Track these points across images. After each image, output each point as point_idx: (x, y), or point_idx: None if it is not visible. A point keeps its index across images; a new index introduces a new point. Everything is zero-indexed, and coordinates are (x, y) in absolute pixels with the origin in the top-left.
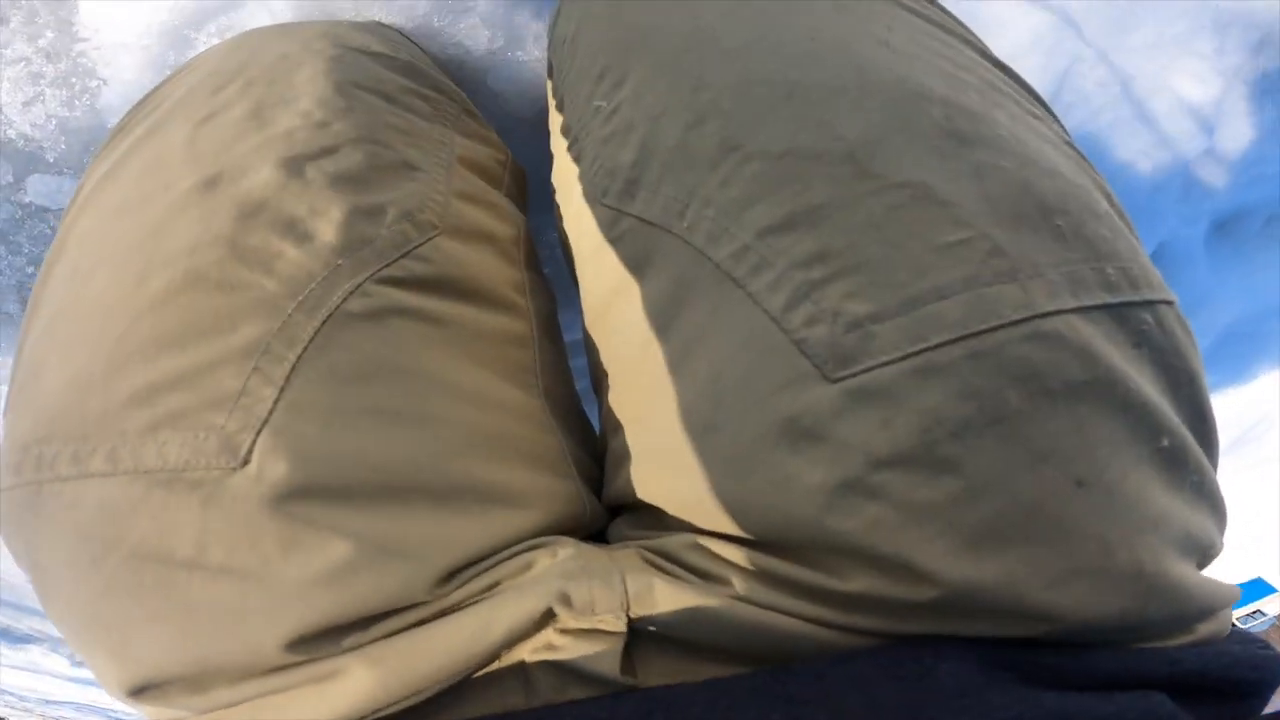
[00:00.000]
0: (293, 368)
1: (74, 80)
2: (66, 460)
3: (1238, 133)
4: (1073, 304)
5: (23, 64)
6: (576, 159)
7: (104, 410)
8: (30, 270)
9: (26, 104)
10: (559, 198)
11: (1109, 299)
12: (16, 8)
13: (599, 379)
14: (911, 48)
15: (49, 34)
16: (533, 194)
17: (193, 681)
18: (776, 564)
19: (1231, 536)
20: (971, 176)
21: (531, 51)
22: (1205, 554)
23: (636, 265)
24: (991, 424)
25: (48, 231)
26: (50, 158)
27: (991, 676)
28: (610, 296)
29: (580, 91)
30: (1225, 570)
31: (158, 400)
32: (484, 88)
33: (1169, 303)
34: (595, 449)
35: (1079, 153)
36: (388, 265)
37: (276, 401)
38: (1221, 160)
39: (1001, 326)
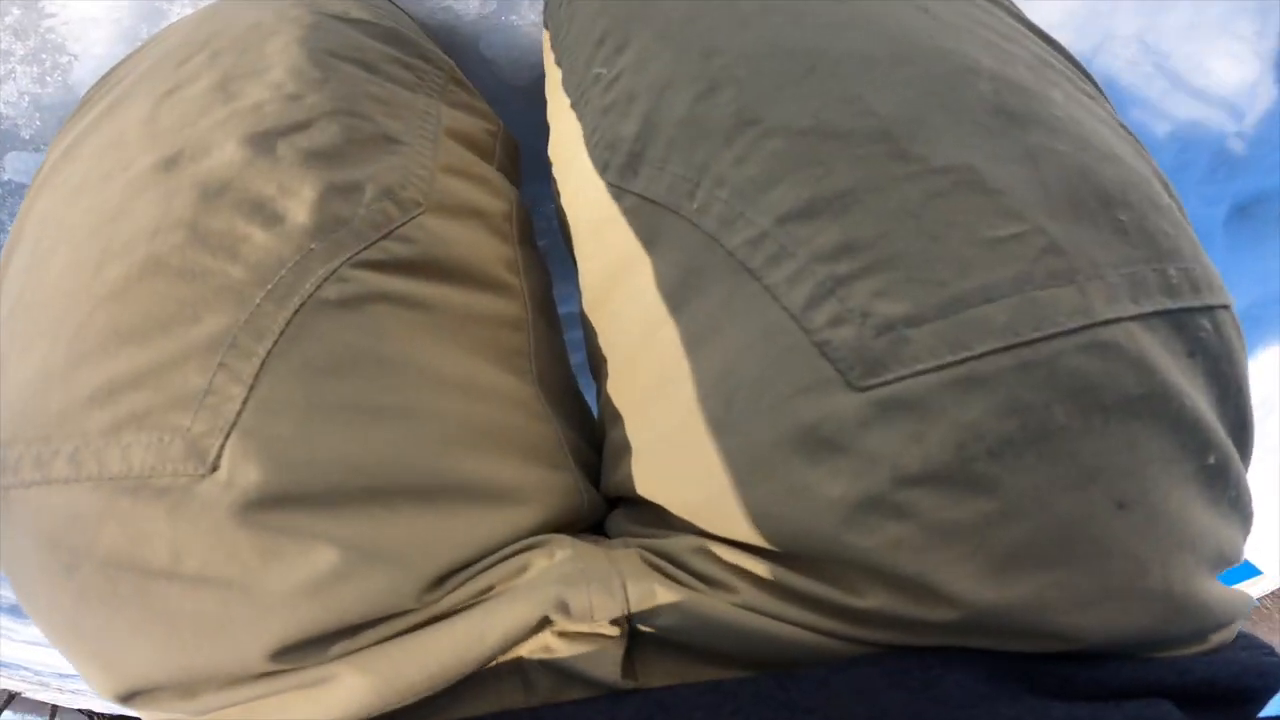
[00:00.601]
0: (262, 363)
1: (44, 56)
2: (30, 464)
3: (1270, 116)
4: (1133, 310)
5: None
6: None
7: (65, 409)
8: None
9: None
10: (556, 171)
11: (1170, 304)
12: None
13: (597, 363)
14: (953, 16)
15: (15, 11)
16: (527, 165)
17: (182, 688)
18: (787, 575)
19: None
20: (1024, 160)
21: (526, 15)
22: (1228, 565)
23: (639, 248)
24: (1035, 441)
25: None
26: (25, 135)
27: (999, 687)
28: (611, 280)
29: (579, 57)
30: None
31: (119, 399)
32: (475, 54)
33: (1226, 307)
34: (593, 434)
35: (1134, 137)
36: (366, 247)
37: (246, 401)
38: (1250, 142)
39: (1056, 335)
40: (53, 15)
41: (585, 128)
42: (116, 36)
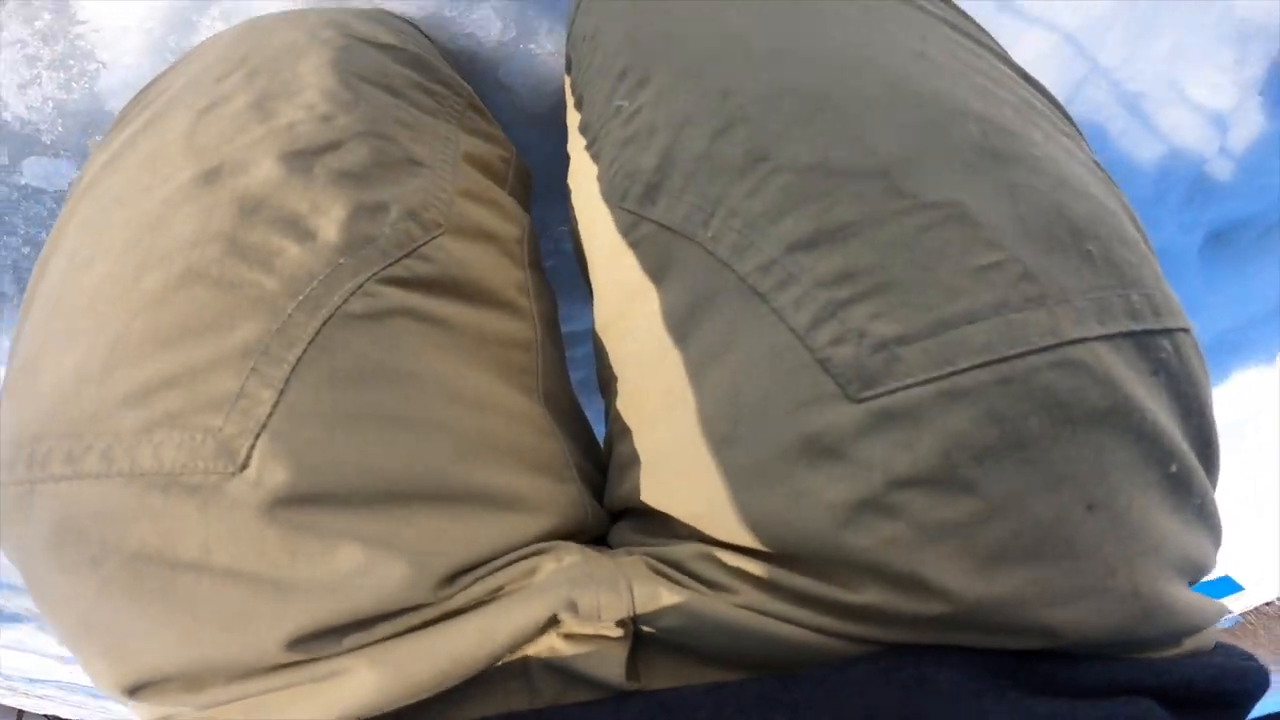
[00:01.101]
0: (292, 369)
1: (71, 63)
2: (60, 459)
3: (1246, 143)
4: (1099, 331)
5: (18, 46)
6: (595, 158)
7: (98, 408)
8: (26, 251)
9: (23, 86)
10: (574, 198)
11: (1133, 326)
12: None
13: (607, 380)
14: (947, 60)
15: (46, 15)
16: (537, 191)
17: (191, 680)
18: (786, 575)
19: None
20: (1005, 196)
21: (544, 44)
22: (1199, 573)
23: (655, 272)
24: (1013, 448)
25: (43, 213)
26: (47, 140)
27: (987, 684)
28: (625, 301)
29: (600, 90)
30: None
31: (153, 400)
32: (494, 80)
33: (1186, 330)
34: (596, 453)
35: (1107, 175)
36: (390, 265)
37: (275, 405)
38: (1227, 170)
39: (1029, 353)
40: (83, 22)
41: (605, 157)
42: (146, 46)
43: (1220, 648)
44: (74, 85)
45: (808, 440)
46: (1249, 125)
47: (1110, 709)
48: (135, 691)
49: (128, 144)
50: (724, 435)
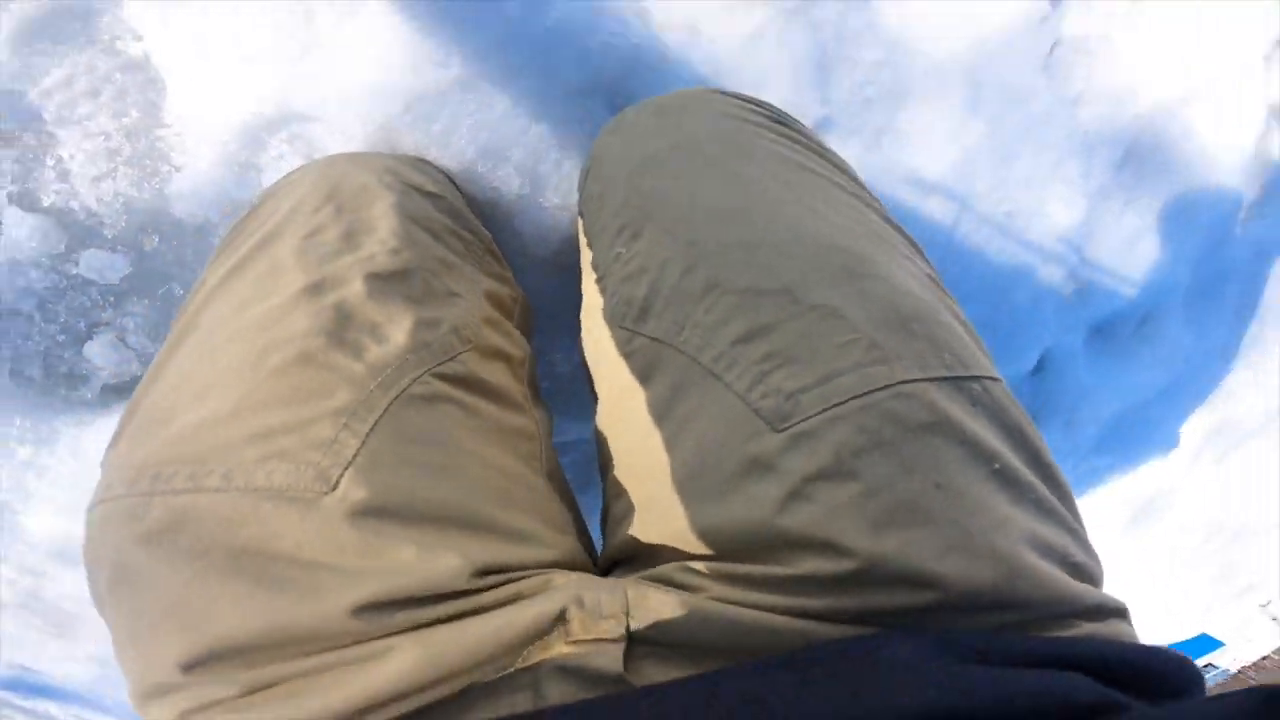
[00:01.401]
0: (371, 428)
1: (148, 163)
2: (183, 478)
3: (1106, 246)
4: (920, 375)
5: (102, 138)
6: (601, 292)
7: (224, 444)
8: (61, 339)
9: (97, 179)
10: (585, 320)
11: (946, 373)
12: (109, 83)
13: (606, 461)
14: (831, 212)
15: (134, 113)
16: (539, 324)
17: (254, 653)
18: (744, 567)
19: (1156, 597)
20: (860, 299)
21: (551, 198)
22: (1066, 561)
23: (643, 372)
24: (877, 447)
25: (86, 304)
26: (108, 234)
27: (929, 655)
28: (621, 396)
29: (605, 240)
30: (1165, 631)
31: (270, 441)
32: (510, 227)
33: (995, 379)
34: (584, 526)
35: (936, 281)
36: (439, 364)
37: (359, 450)
38: (1093, 272)
39: (877, 389)
40: (168, 126)
41: (609, 291)
42: (220, 158)
43: (1147, 647)
44: (146, 184)
45: (750, 462)
46: (1106, 227)
47: (1042, 677)
48: (192, 667)
49: (248, 257)
50: (694, 473)
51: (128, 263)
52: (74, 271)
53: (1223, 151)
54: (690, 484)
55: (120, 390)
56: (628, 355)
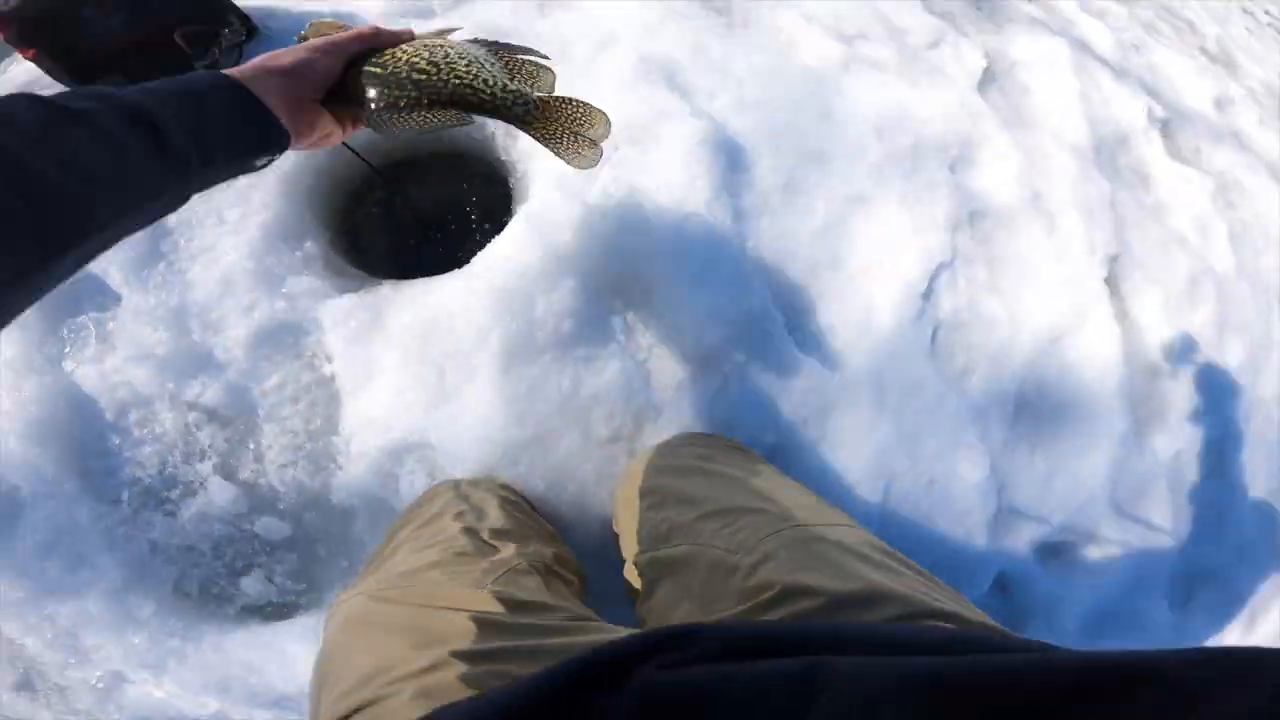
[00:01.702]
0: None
1: (322, 460)
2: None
3: (1023, 488)
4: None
5: (291, 435)
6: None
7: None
8: (222, 571)
9: (283, 466)
10: (627, 573)
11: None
12: (306, 394)
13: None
14: (768, 488)
15: (318, 421)
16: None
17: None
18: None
19: None
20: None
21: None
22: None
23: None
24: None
25: (249, 551)
26: (280, 506)
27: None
28: (647, 594)
29: (630, 517)
30: None
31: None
32: (563, 521)
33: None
34: None
35: (857, 529)
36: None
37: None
38: (1018, 513)
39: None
40: (339, 435)
41: (640, 546)
42: (369, 467)
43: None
44: (316, 475)
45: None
46: (1017, 472)
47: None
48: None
49: (407, 541)
50: (699, 588)
51: (289, 527)
52: (249, 528)
53: (1100, 376)
54: (697, 588)
55: (254, 611)
56: (654, 562)
